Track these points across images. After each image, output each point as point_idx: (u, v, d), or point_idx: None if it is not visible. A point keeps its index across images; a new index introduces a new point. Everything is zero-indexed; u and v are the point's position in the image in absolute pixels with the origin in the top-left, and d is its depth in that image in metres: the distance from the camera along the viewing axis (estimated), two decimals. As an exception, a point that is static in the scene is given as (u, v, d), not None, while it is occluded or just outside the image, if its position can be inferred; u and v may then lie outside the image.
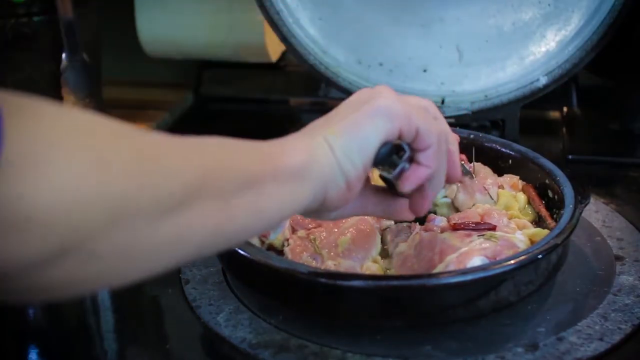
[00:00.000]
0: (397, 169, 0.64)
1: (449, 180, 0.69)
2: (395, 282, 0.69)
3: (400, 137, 0.62)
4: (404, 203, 0.68)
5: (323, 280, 0.67)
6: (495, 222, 0.77)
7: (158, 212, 0.45)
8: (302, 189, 0.57)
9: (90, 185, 0.41)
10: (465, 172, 0.82)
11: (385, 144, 0.61)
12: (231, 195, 0.51)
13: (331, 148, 0.59)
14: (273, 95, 1.33)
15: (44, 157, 0.40)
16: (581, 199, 0.78)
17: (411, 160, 0.64)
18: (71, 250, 0.41)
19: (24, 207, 0.39)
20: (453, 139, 0.68)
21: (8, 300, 0.43)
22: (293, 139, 0.60)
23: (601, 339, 0.69)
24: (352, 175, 0.60)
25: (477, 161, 0.90)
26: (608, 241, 0.85)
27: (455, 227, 0.77)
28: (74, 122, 0.43)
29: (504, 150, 0.90)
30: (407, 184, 0.64)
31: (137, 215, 0.44)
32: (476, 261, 0.70)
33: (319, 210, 0.61)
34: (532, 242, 0.75)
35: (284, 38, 1.07)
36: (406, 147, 0.63)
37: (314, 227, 0.78)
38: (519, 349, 0.68)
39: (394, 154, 0.63)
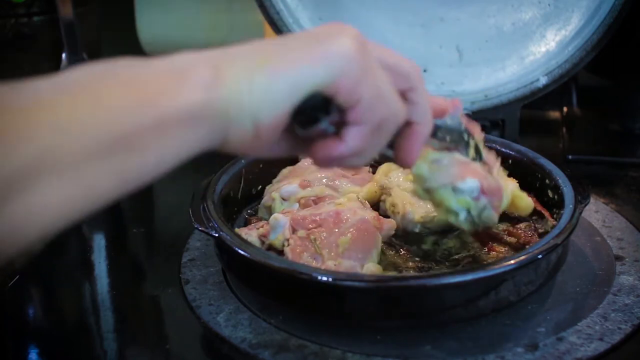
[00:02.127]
0: (314, 128, 0.54)
1: (398, 163, 0.60)
2: (395, 282, 0.69)
3: (335, 96, 0.51)
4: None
5: (323, 280, 0.67)
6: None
7: None
8: (192, 135, 0.46)
9: None
10: (477, 157, 0.71)
11: (314, 94, 0.51)
12: (87, 163, 0.42)
13: (250, 85, 0.48)
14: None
15: None
16: (581, 199, 0.78)
17: (339, 124, 0.54)
18: None
19: None
20: (425, 120, 0.58)
21: None
22: (196, 60, 0.48)
23: (601, 339, 0.69)
24: (266, 123, 0.49)
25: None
26: (608, 241, 0.85)
27: None
28: None
29: (504, 150, 0.90)
30: (316, 155, 0.55)
31: None
32: (469, 182, 0.68)
33: (221, 149, 0.50)
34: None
35: (284, 38, 1.07)
36: (334, 110, 0.53)
37: (314, 227, 0.78)
38: (519, 349, 0.68)
39: (319, 109, 0.53)
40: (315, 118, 0.53)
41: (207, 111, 0.46)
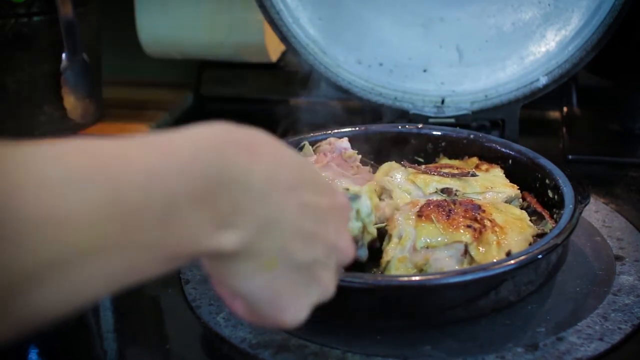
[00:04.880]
0: None
1: None
2: (395, 282, 0.69)
3: None
4: None
5: (323, 280, 0.67)
6: None
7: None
8: None
9: None
10: None
11: None
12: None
13: None
14: (273, 95, 1.33)
15: None
16: (581, 199, 0.78)
17: None
18: None
19: None
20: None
21: None
22: None
23: (601, 339, 0.69)
24: None
25: (479, 161, 0.90)
26: (608, 241, 0.85)
27: None
28: None
29: (504, 150, 0.90)
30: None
31: None
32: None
33: None
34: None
35: (284, 38, 1.07)
36: None
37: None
38: (519, 349, 0.68)
39: None
40: None
41: None
